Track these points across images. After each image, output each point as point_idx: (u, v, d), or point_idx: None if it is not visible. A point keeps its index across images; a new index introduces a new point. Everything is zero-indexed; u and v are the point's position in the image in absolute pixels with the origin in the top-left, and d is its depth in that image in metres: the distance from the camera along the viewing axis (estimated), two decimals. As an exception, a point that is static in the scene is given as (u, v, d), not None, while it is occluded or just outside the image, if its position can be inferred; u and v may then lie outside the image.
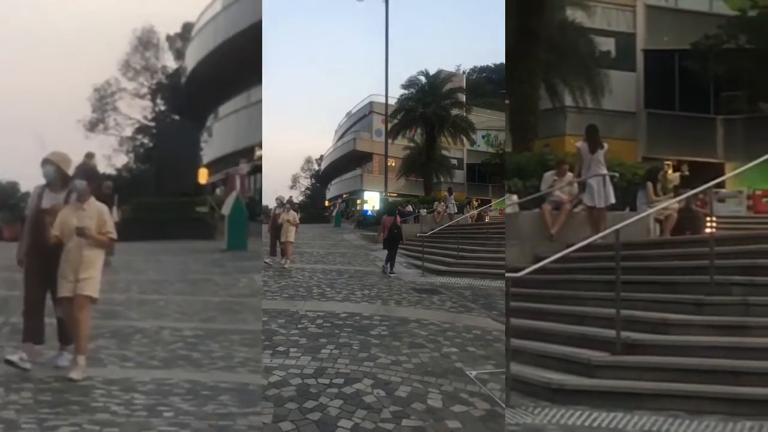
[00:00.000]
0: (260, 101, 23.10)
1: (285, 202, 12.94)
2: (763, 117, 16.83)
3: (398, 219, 12.33)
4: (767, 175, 12.96)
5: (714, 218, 7.28)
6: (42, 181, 4.59)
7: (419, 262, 11.48)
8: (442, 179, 33.16)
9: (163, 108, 32.34)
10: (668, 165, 15.87)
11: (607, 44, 19.04)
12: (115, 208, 10.50)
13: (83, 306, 4.33)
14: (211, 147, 27.35)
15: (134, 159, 33.26)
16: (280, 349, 5.12)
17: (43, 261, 4.41)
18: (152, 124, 31.91)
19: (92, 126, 31.30)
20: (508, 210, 9.85)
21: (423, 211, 21.91)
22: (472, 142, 36.16)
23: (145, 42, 30.74)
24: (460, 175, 39.16)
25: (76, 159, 5.91)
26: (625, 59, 19.45)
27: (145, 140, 32.61)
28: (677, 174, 13.35)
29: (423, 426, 3.55)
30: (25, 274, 4.52)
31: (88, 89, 31.37)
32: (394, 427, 3.52)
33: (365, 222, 27.38)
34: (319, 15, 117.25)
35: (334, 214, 35.83)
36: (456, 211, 19.61)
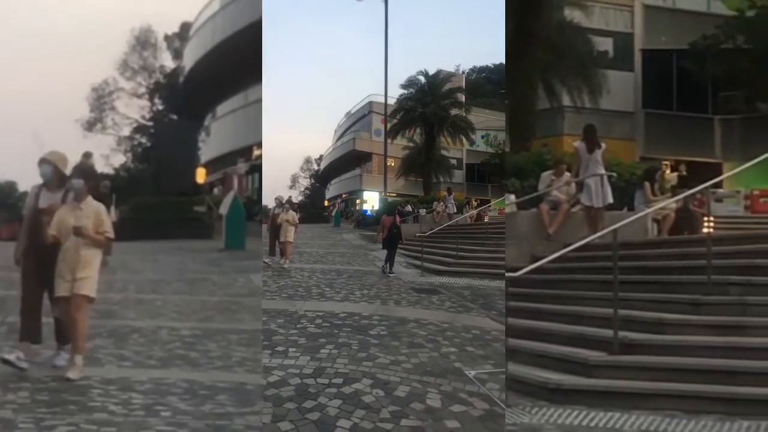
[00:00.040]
0: (258, 101, 23.05)
1: (284, 202, 12.93)
2: (761, 117, 16.86)
3: (397, 219, 12.34)
4: (765, 175, 12.98)
5: (711, 218, 7.28)
6: (39, 180, 4.59)
7: (418, 262, 11.50)
8: (441, 179, 33.17)
9: (160, 107, 32.32)
10: (666, 165, 15.85)
11: (605, 44, 19.06)
12: (112, 208, 10.52)
13: (80, 305, 4.33)
14: (209, 147, 27.33)
15: (132, 158, 33.22)
16: (279, 348, 5.12)
17: (41, 260, 4.40)
18: (150, 123, 31.88)
19: (90, 125, 31.29)
20: (507, 210, 9.86)
21: (422, 211, 21.91)
22: (472, 142, 36.14)
23: (143, 41, 30.72)
24: (459, 175, 39.15)
25: (74, 158, 5.92)
26: (622, 59, 19.46)
27: (143, 140, 32.59)
28: (675, 174, 13.34)
29: (422, 426, 3.55)
30: (22, 273, 4.51)
31: (86, 89, 31.39)
32: (393, 426, 3.52)
33: (364, 222, 27.37)
34: (318, 15, 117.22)
35: (333, 214, 35.84)
36: (455, 211, 19.62)
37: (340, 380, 4.30)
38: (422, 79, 32.13)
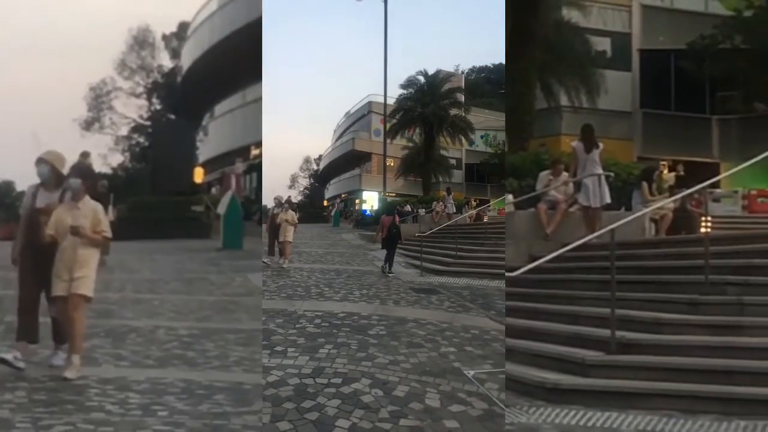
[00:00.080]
0: (256, 100, 23.04)
1: (283, 201, 12.92)
2: (759, 117, 16.91)
3: (397, 219, 12.34)
4: (762, 175, 13.04)
5: (709, 218, 7.31)
6: (37, 180, 4.58)
7: (418, 262, 11.51)
8: (440, 179, 33.19)
9: (158, 107, 32.28)
10: (663, 165, 15.93)
11: (603, 44, 19.09)
12: (110, 207, 10.48)
13: (78, 305, 4.32)
14: (207, 146, 27.31)
15: (130, 158, 33.18)
16: (278, 348, 5.11)
17: (38, 260, 4.40)
18: (148, 123, 31.83)
19: (88, 125, 31.21)
20: (506, 209, 9.87)
21: (421, 211, 21.92)
22: (471, 142, 36.15)
23: (141, 41, 30.66)
24: (458, 175, 39.18)
25: (72, 158, 5.90)
26: (620, 59, 19.49)
27: (141, 139, 32.54)
28: (672, 174, 13.37)
29: (421, 426, 3.55)
30: (19, 273, 4.51)
31: (84, 88, 31.38)
32: (392, 426, 3.52)
33: (364, 222, 27.37)
34: (318, 15, 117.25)
35: (332, 213, 35.81)
36: (454, 211, 19.63)
37: (339, 380, 4.30)
38: (422, 79, 32.14)
